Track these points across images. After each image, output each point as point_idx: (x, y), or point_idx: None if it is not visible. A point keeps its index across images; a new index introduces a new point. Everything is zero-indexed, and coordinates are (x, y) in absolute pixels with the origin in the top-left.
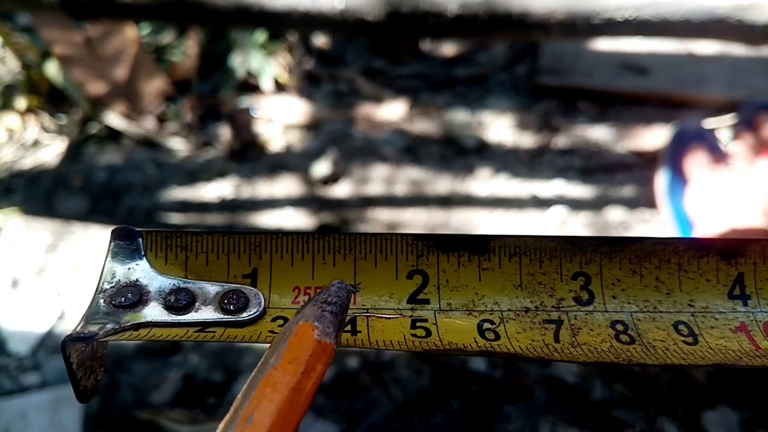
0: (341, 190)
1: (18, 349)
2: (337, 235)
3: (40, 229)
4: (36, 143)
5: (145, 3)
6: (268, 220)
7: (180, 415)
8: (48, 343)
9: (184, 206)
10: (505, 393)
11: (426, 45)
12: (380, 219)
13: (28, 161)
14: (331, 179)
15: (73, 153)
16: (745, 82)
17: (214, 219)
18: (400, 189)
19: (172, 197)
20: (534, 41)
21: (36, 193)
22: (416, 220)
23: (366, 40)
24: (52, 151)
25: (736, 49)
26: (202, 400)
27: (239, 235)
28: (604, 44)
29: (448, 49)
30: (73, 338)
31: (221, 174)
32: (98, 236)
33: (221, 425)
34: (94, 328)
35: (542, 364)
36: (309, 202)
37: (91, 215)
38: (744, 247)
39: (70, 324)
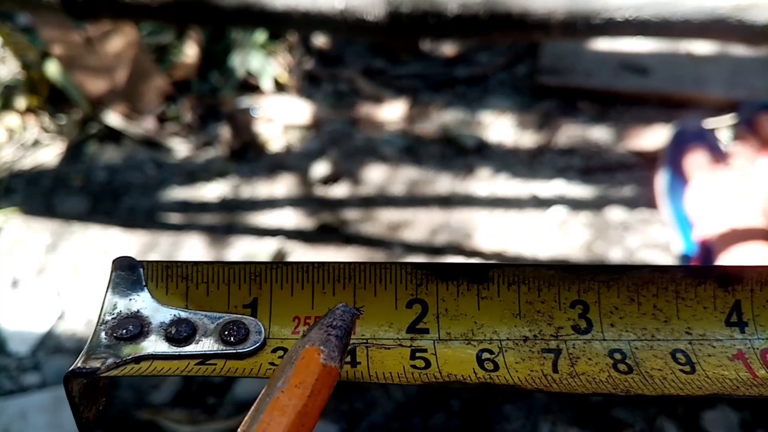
0: (341, 190)
1: (18, 349)
2: (337, 264)
3: (40, 229)
4: (36, 143)
5: (145, 3)
6: (268, 220)
7: (180, 415)
8: (48, 343)
9: (184, 206)
10: (504, 392)
11: (426, 45)
12: (380, 219)
13: (28, 161)
14: (331, 179)
15: (73, 153)
16: (745, 82)
17: (214, 219)
18: (400, 189)
19: (172, 197)
20: (534, 41)
21: (36, 193)
22: (416, 221)
23: (366, 40)
24: (52, 151)
25: (736, 49)
26: (202, 400)
27: (239, 265)
28: (604, 44)
29: (448, 49)
30: (75, 373)
31: (221, 174)
32: (98, 236)
33: None
34: (95, 363)
35: None
36: (308, 202)
37: (91, 215)
38: (741, 274)
39: (70, 324)
